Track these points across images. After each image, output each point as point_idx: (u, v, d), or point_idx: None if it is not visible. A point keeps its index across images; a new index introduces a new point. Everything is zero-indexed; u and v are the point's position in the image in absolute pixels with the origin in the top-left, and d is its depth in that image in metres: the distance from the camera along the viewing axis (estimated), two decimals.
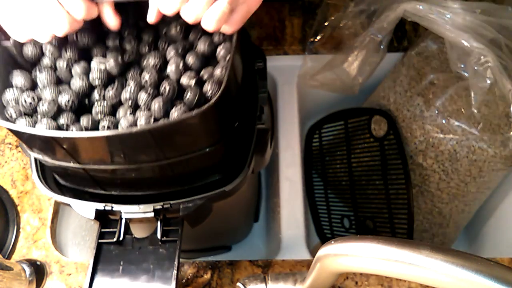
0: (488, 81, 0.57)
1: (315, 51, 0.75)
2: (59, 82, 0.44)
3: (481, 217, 0.79)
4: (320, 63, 0.72)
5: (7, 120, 0.42)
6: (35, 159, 0.48)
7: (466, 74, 0.61)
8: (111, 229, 0.46)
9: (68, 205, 0.45)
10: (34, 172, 0.48)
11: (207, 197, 0.45)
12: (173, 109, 0.40)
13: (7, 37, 0.44)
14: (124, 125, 0.40)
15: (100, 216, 0.45)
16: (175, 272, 0.44)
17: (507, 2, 0.61)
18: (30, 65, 0.46)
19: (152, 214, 0.44)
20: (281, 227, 0.64)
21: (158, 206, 0.44)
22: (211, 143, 0.43)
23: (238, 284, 0.47)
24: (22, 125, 0.41)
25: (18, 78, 0.44)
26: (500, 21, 0.57)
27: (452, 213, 0.70)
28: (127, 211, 0.44)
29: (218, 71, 0.43)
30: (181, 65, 0.43)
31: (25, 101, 0.42)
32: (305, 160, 0.85)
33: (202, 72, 0.44)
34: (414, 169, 0.68)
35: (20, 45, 0.45)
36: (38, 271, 0.56)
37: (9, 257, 0.59)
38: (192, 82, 0.42)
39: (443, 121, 0.62)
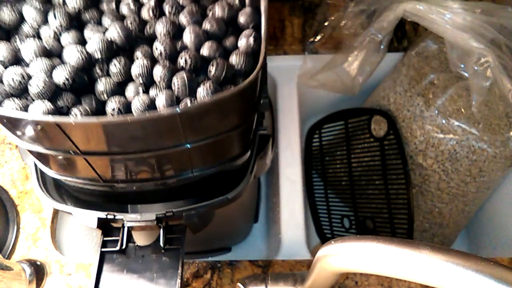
0: (488, 81, 0.57)
1: (315, 51, 0.75)
2: (47, 54, 0.37)
3: (481, 217, 0.79)
4: (320, 63, 0.72)
5: None
6: (36, 167, 0.47)
7: (466, 74, 0.61)
8: (113, 238, 0.45)
9: (70, 213, 0.45)
10: (35, 180, 0.46)
11: (209, 204, 0.44)
12: (201, 87, 0.34)
13: None
14: (137, 107, 0.34)
15: (102, 224, 0.45)
16: (179, 280, 0.43)
17: (507, 2, 0.61)
18: (4, 34, 0.39)
19: (154, 222, 0.43)
20: (281, 227, 0.64)
21: (161, 213, 0.43)
22: (239, 124, 0.38)
23: (238, 284, 0.47)
24: (10, 108, 0.33)
25: None
26: (500, 21, 0.57)
27: (452, 213, 0.70)
28: (130, 219, 0.43)
29: (243, 41, 0.37)
30: (200, 33, 0.37)
31: (13, 80, 0.34)
32: (305, 160, 0.85)
33: (223, 42, 0.38)
34: (414, 169, 0.68)
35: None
36: (38, 271, 0.56)
37: (9, 257, 0.59)
38: (217, 53, 0.36)
39: (443, 121, 0.62)
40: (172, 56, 0.36)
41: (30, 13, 0.37)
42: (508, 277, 0.23)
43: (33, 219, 0.62)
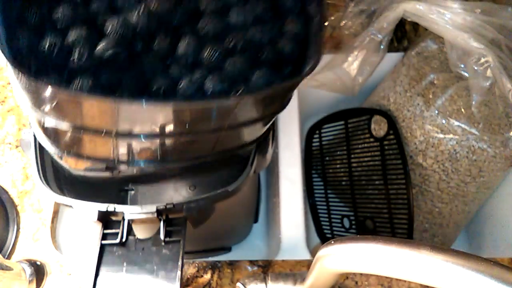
0: (488, 81, 0.57)
1: None
2: (82, 22, 0.33)
3: (481, 217, 0.79)
4: (320, 63, 0.72)
5: (27, 73, 0.29)
6: (36, 159, 0.47)
7: (466, 74, 0.61)
8: (113, 230, 0.46)
9: (70, 206, 0.45)
10: (35, 172, 0.46)
11: (210, 197, 0.44)
12: (256, 73, 0.32)
13: None
14: (185, 88, 0.32)
15: (103, 217, 0.45)
16: (179, 272, 0.43)
17: (507, 2, 0.61)
18: None
19: (155, 215, 0.43)
20: (281, 227, 0.64)
21: (161, 206, 0.43)
22: (280, 109, 0.36)
23: (238, 284, 0.47)
24: (49, 80, 0.30)
25: (29, 12, 0.32)
26: (500, 21, 0.57)
27: (452, 213, 0.70)
28: (130, 211, 0.43)
29: (293, 26, 0.35)
30: (250, 14, 0.34)
31: (53, 48, 0.30)
32: (305, 160, 0.85)
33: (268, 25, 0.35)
34: (414, 169, 0.68)
35: None
36: (38, 271, 0.56)
37: (9, 257, 0.59)
38: (267, 37, 0.34)
39: (443, 121, 0.62)
40: (219, 37, 0.33)
41: None
42: (508, 277, 0.23)
43: (33, 219, 0.62)
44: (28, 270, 0.54)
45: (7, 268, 0.50)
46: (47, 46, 0.31)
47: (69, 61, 0.31)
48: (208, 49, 0.32)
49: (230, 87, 0.32)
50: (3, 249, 0.59)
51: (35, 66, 0.30)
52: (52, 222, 0.62)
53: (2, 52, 0.28)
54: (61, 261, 0.59)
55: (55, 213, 0.63)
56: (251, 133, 0.41)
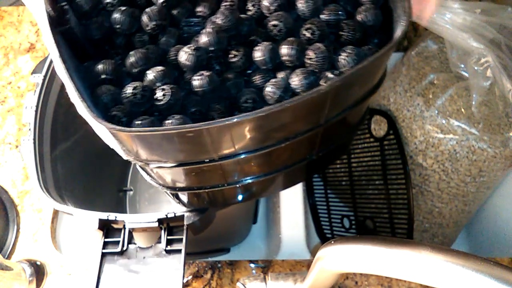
0: (488, 81, 0.57)
1: None
2: (153, 61, 0.34)
3: (481, 217, 0.79)
4: None
5: (118, 124, 0.30)
6: (36, 167, 0.46)
7: (466, 74, 0.61)
8: (114, 239, 0.45)
9: (70, 214, 0.45)
10: (35, 181, 0.46)
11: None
12: (342, 55, 0.31)
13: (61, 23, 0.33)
14: (272, 93, 0.30)
15: (103, 225, 0.44)
16: (180, 282, 0.43)
17: (507, 2, 0.61)
18: (94, 47, 0.35)
19: (156, 224, 0.43)
20: (281, 227, 0.64)
21: (162, 215, 0.43)
22: (374, 88, 0.34)
23: (238, 284, 0.47)
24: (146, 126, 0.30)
25: (101, 68, 0.32)
26: (500, 21, 0.57)
27: (452, 213, 0.70)
28: (131, 220, 0.43)
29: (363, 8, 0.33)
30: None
31: (135, 95, 0.30)
32: None
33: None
34: (414, 169, 0.68)
35: (83, 21, 0.34)
36: (38, 271, 0.56)
37: (9, 257, 0.59)
38: (340, 15, 0.33)
39: (443, 121, 0.62)
40: (293, 32, 0.33)
41: (120, 21, 0.34)
42: (508, 277, 0.23)
43: (33, 219, 0.62)
44: (28, 270, 0.54)
45: (7, 268, 0.50)
46: (130, 93, 0.31)
47: (155, 102, 0.31)
48: (287, 47, 0.31)
49: (317, 79, 0.31)
50: (3, 249, 0.59)
51: (124, 117, 0.31)
52: (52, 222, 0.62)
53: (94, 118, 0.29)
54: (61, 261, 0.59)
55: (55, 213, 0.63)
56: (353, 119, 0.39)
